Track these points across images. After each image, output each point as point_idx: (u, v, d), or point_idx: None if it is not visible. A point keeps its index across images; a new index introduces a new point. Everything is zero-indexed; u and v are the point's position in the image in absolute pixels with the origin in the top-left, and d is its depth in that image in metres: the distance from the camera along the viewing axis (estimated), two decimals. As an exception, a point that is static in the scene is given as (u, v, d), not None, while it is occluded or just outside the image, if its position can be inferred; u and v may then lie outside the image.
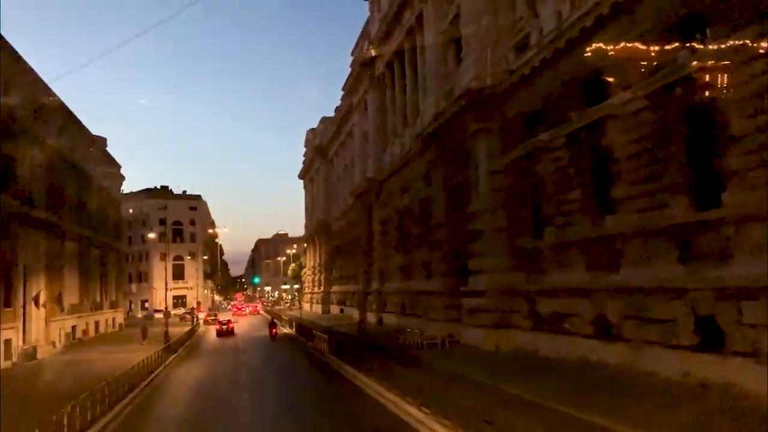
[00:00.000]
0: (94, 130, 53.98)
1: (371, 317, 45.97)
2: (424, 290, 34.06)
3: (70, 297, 41.66)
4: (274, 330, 40.15)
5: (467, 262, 27.62)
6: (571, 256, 20.57)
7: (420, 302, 35.40)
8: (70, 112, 43.51)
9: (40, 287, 33.45)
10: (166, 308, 37.35)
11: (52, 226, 37.07)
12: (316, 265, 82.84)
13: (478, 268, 26.30)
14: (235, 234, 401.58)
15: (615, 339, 18.05)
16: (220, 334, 44.35)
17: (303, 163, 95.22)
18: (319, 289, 78.68)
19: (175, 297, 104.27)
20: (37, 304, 32.55)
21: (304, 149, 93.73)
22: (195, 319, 54.91)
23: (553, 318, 21.42)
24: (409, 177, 38.38)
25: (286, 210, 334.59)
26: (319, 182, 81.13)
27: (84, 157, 46.90)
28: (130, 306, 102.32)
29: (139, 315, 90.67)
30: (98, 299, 48.61)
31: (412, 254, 37.85)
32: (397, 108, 42.30)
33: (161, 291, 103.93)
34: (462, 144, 28.67)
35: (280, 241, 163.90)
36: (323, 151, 76.18)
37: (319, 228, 78.44)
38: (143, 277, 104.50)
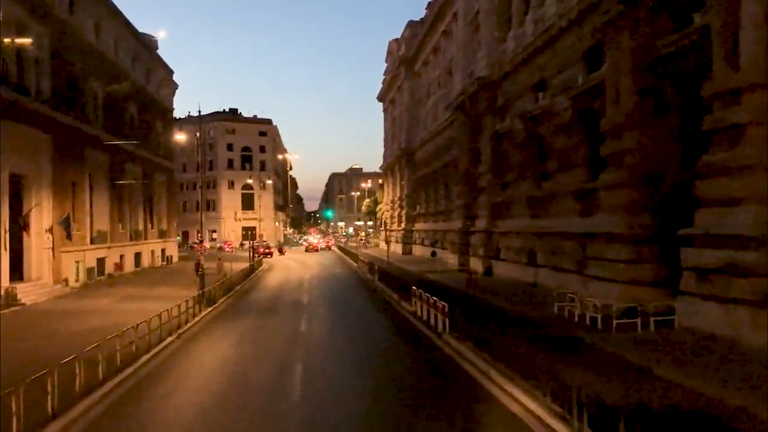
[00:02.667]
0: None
1: (475, 264, 34.93)
2: (580, 232, 22.39)
3: (99, 222, 33.02)
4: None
5: (692, 186, 15.66)
6: None
7: (567, 250, 23.80)
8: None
9: (33, 205, 24.43)
10: (201, 238, 27.34)
11: (60, 126, 27.74)
12: (396, 199, 72.19)
13: (728, 196, 14.29)
14: (309, 170, 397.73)
15: None
16: (262, 254, 54.64)
17: (383, 82, 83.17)
18: (399, 226, 68.24)
19: (244, 228, 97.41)
20: (25, 227, 23.59)
21: (385, 66, 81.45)
22: (255, 255, 45.27)
23: None
24: (552, 63, 25.98)
25: (361, 144, 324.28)
26: (402, 102, 69.17)
27: (119, 48, 37.24)
28: (198, 236, 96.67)
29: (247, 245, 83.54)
30: (140, 227, 40.11)
31: (554, 179, 25.95)
32: (531, -31, 29.32)
33: (230, 221, 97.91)
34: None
35: (355, 175, 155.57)
36: (409, 62, 63.77)
37: (400, 156, 67.21)
38: (211, 206, 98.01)
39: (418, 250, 58.66)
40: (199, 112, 26.79)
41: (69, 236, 26.37)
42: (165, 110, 47.51)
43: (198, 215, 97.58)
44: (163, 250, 44.76)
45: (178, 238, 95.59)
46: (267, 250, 61.20)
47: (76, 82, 29.70)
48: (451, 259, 40.52)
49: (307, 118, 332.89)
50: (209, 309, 21.76)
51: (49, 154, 26.47)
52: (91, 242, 31.25)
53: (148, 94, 43.12)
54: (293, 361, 12.75)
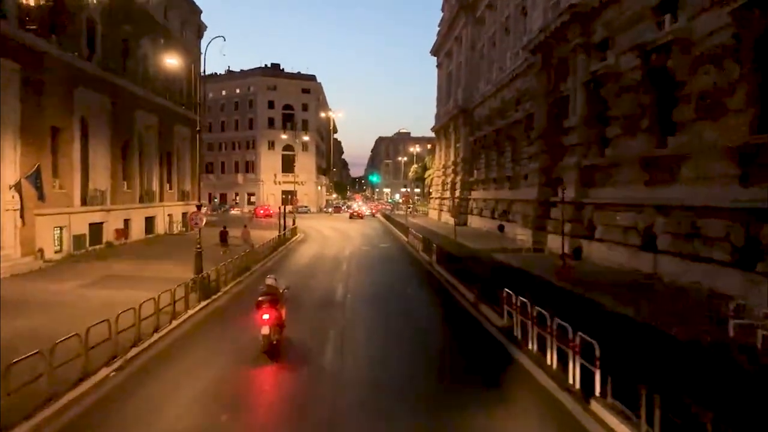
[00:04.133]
0: None
1: (555, 243, 27.72)
2: (742, 207, 14.97)
3: (96, 179, 27.35)
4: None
5: None
6: None
7: (715, 232, 16.42)
8: None
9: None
10: (199, 203, 20.82)
11: (34, 55, 21.71)
12: (449, 163, 64.71)
13: None
14: (355, 137, 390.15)
15: None
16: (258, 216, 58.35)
17: (438, 34, 74.79)
18: (453, 194, 60.98)
19: (284, 192, 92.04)
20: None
21: (440, 16, 72.97)
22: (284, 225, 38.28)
23: None
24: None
25: (409, 108, 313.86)
26: (460, 54, 61.06)
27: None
28: (236, 199, 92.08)
29: (246, 210, 79.01)
30: (154, 186, 34.40)
31: (689, 132, 18.32)
32: None
33: (269, 184, 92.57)
34: None
35: (402, 139, 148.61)
36: (471, 6, 55.43)
37: (456, 115, 59.48)
38: (250, 167, 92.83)
39: (475, 222, 51.53)
40: (207, 37, 20.27)
41: (41, 196, 20.61)
42: (190, 53, 41.27)
43: (236, 177, 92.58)
44: (183, 215, 39.16)
45: (215, 200, 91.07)
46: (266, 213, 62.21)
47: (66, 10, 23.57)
48: (521, 235, 33.29)
49: (354, 81, 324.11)
50: (202, 304, 15.55)
51: (16, 90, 20.54)
52: (83, 203, 25.61)
53: (167, 32, 36.90)
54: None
